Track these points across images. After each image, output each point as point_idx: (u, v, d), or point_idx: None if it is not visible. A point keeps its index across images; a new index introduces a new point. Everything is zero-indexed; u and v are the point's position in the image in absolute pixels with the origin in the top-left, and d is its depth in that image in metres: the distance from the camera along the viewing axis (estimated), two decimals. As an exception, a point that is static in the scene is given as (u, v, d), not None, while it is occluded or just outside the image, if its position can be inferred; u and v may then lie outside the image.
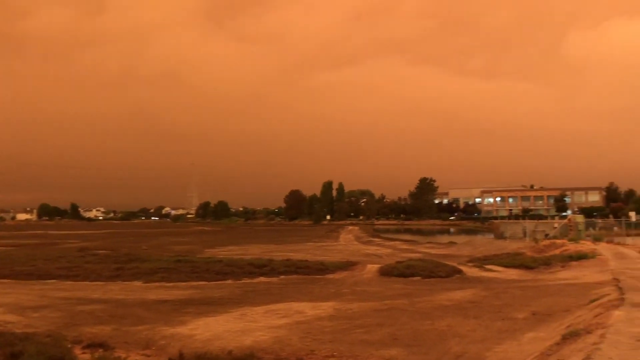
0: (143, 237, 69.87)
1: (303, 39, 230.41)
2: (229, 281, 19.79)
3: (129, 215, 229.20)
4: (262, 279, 20.45)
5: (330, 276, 21.24)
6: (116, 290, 17.62)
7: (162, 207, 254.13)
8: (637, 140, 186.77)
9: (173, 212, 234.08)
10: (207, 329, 10.97)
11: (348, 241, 62.07)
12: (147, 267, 22.31)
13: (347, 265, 23.48)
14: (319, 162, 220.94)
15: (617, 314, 9.09)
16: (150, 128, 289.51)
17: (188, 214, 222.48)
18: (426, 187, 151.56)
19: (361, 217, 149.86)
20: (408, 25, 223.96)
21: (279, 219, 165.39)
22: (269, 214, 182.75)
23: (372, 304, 14.22)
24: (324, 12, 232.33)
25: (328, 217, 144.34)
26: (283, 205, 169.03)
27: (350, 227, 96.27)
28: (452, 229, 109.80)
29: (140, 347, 9.65)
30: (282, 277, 20.82)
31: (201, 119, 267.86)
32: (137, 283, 19.30)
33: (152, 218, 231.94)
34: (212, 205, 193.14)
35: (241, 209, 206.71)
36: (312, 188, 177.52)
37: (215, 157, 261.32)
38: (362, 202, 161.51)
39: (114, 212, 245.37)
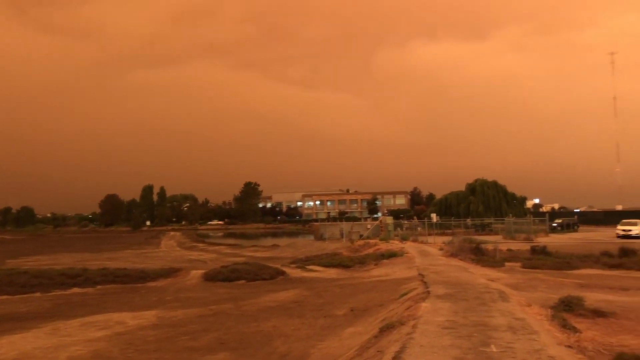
0: None
1: (120, 34, 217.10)
2: (37, 294, 18.01)
3: None
4: (76, 289, 18.95)
5: (152, 284, 20.42)
6: None
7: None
8: (437, 149, 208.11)
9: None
10: (13, 347, 9.85)
11: (170, 247, 60.16)
12: None
13: (169, 272, 22.74)
14: (138, 165, 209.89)
15: (425, 305, 10.03)
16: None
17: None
18: (251, 191, 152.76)
19: (184, 222, 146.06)
20: (229, 30, 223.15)
21: (93, 226, 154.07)
22: (82, 220, 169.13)
23: (198, 309, 13.96)
24: (142, 9, 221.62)
25: (148, 222, 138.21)
26: (98, 210, 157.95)
27: (172, 233, 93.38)
28: (219, 234, 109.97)
29: None
30: (99, 287, 19.49)
31: (0, 114, 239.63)
32: None
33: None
34: (14, 211, 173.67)
35: (49, 215, 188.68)
36: (130, 192, 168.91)
37: (18, 157, 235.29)
38: (185, 207, 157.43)
39: None
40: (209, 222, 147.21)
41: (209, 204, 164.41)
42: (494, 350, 6.25)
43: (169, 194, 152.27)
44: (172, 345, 9.92)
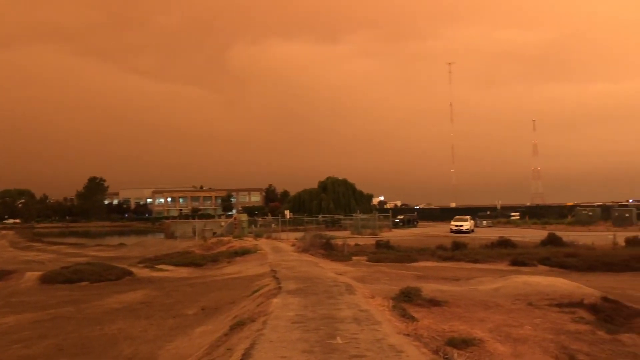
0: None
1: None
2: None
3: None
4: None
5: (-21, 289, 18.40)
6: None
7: None
8: (292, 147, 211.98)
9: None
10: None
11: (1, 247, 54.66)
12: None
13: (0, 275, 20.68)
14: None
15: (276, 301, 10.20)
16: None
17: None
18: (95, 187, 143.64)
19: (18, 220, 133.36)
20: (75, 14, 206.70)
21: None
22: None
23: (33, 314, 12.87)
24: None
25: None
26: None
27: (4, 232, 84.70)
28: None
29: None
30: None
31: None
32: None
33: None
34: None
35: None
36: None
37: None
38: (20, 203, 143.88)
39: None
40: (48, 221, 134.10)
41: (48, 200, 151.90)
42: (340, 341, 6.55)
43: (0, 188, 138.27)
44: (2, 355, 9.05)
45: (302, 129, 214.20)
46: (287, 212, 56.39)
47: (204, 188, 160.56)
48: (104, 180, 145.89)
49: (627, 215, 57.10)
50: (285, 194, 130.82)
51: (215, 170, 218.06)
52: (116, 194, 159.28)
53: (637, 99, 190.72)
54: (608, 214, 61.28)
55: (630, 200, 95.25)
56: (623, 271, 21.46)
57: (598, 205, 74.01)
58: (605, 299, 12.82)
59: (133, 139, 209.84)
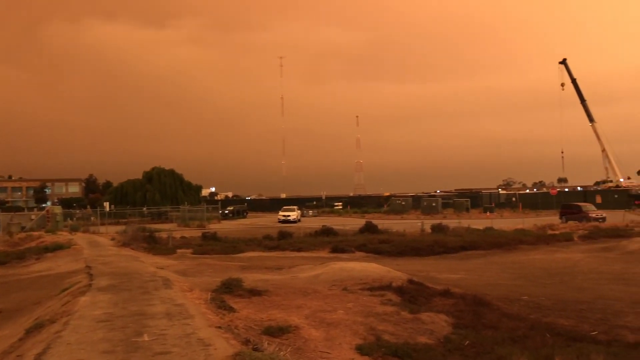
0: None
1: None
2: None
3: None
4: None
5: None
6: None
7: None
8: (115, 135, 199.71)
9: None
10: None
11: None
12: None
13: None
14: None
15: (84, 299, 9.48)
16: None
17: None
18: None
19: None
20: None
21: None
22: None
23: None
24: None
25: None
26: None
27: None
28: None
29: None
30: None
31: None
32: None
33: None
34: None
35: None
36: None
37: None
38: None
39: None
40: None
41: None
42: (146, 339, 6.25)
43: None
44: None
45: (127, 116, 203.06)
46: (106, 204, 53.15)
47: (13, 178, 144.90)
48: None
49: (434, 204, 63.35)
50: (107, 184, 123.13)
51: (28, 159, 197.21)
52: None
53: (443, 99, 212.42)
54: (418, 203, 67.40)
55: (438, 191, 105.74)
56: (428, 255, 23.75)
57: (410, 196, 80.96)
58: (411, 281, 14.02)
59: None
